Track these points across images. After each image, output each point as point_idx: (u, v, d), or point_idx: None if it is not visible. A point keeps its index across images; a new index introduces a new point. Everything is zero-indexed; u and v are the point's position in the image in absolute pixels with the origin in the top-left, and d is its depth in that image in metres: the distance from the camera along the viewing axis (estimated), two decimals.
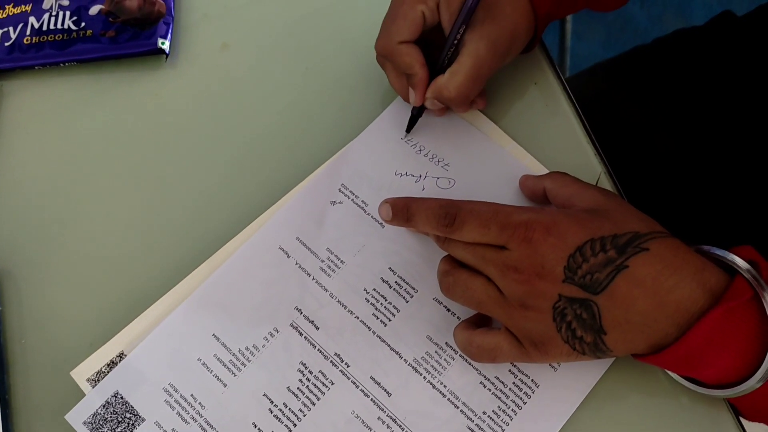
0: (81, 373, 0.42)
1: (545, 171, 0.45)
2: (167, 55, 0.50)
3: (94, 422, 0.41)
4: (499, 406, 0.40)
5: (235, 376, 0.42)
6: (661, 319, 0.35)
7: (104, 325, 0.43)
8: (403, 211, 0.40)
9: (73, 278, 0.45)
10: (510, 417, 0.40)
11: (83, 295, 0.45)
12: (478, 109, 0.46)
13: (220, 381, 0.41)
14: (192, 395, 0.41)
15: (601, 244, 0.35)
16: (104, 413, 0.41)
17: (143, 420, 0.41)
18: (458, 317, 0.42)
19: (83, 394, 0.41)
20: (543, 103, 0.48)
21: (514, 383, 0.41)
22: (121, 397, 0.41)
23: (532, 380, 0.41)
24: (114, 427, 0.41)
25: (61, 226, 0.47)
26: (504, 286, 0.37)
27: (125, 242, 0.46)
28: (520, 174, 0.45)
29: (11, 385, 0.43)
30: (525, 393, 0.40)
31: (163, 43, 0.50)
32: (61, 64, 0.50)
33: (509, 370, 0.41)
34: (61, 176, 0.48)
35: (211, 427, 0.41)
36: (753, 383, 0.35)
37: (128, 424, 0.41)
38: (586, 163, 0.46)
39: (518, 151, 0.46)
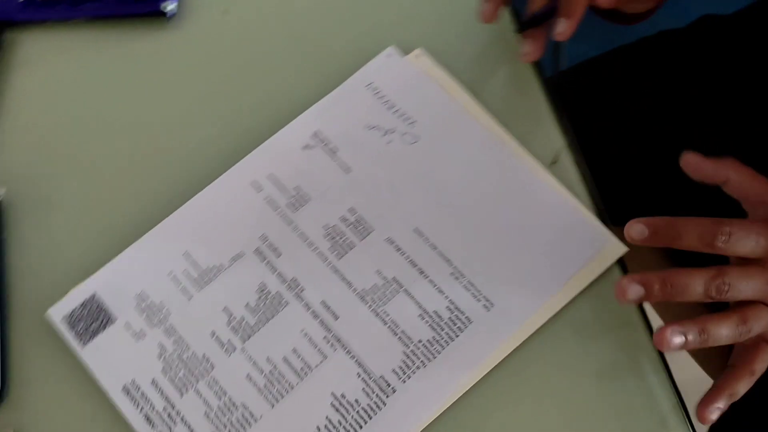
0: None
1: (513, 142, 0.49)
2: (170, 17, 0.55)
3: (72, 319, 0.46)
4: (434, 337, 0.44)
5: (200, 290, 0.46)
6: None
7: (98, 255, 0.48)
8: (668, 229, 0.40)
9: (73, 213, 0.50)
10: (442, 347, 0.44)
11: (81, 228, 0.49)
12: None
13: (187, 293, 0.46)
14: (160, 302, 0.46)
15: None
16: (81, 312, 0.46)
17: (115, 320, 0.45)
18: (407, 256, 0.46)
19: None
20: (514, 80, 0.52)
21: (450, 318, 0.45)
22: (98, 299, 0.46)
23: (466, 317, 0.45)
24: (88, 324, 0.45)
25: (65, 164, 0.51)
26: None
27: (121, 184, 0.51)
28: (484, 142, 0.49)
29: (11, 306, 0.47)
30: (458, 327, 0.44)
31: (165, 6, 0.55)
32: (72, 20, 0.55)
33: (447, 307, 0.45)
34: (67, 124, 0.53)
35: (175, 331, 0.45)
36: None
37: (101, 322, 0.45)
38: (549, 136, 0.49)
39: (488, 122, 0.49)
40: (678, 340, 0.39)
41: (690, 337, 0.39)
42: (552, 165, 0.49)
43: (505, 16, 0.53)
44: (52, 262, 0.48)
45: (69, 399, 0.44)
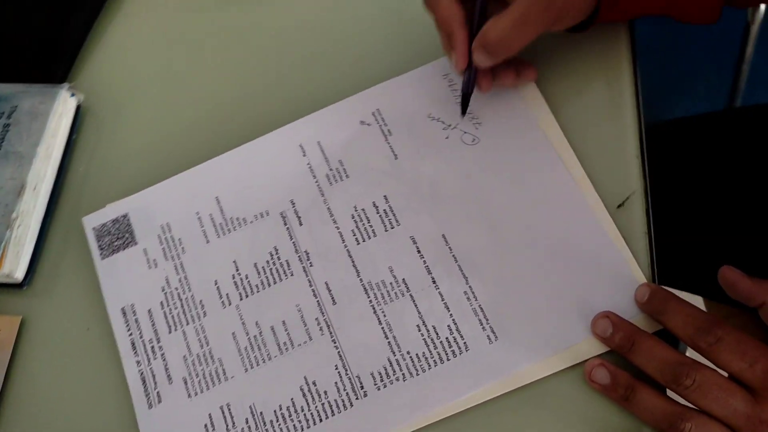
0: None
1: (581, 171, 0.43)
2: None
3: (101, 231, 0.48)
4: (424, 353, 0.41)
5: (218, 237, 0.46)
6: None
7: (147, 177, 0.49)
8: (660, 303, 0.38)
9: (137, 131, 0.52)
10: (430, 366, 0.41)
11: (140, 148, 0.51)
12: (528, 80, 0.46)
13: (206, 236, 0.46)
14: (179, 239, 0.46)
15: None
16: (111, 227, 0.47)
17: (136, 243, 0.47)
18: (425, 261, 0.43)
19: None
20: (607, 105, 0.46)
21: (447, 338, 0.41)
22: (128, 220, 0.48)
23: (465, 343, 0.41)
24: (113, 240, 0.47)
25: (142, 87, 0.54)
26: None
27: (186, 116, 0.52)
28: (549, 163, 0.44)
29: (60, 204, 0.50)
30: (453, 351, 0.41)
31: None
32: None
33: (448, 325, 0.41)
34: (163, 43, 0.55)
35: (183, 270, 0.46)
36: None
37: (124, 241, 0.47)
38: (625, 175, 0.44)
39: (561, 143, 0.45)
40: (602, 378, 0.38)
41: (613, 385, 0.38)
42: (618, 209, 0.43)
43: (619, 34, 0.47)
44: (107, 172, 0.51)
45: (76, 304, 0.47)
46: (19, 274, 0.47)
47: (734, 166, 0.60)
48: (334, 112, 0.48)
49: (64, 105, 0.51)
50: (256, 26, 0.54)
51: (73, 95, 0.52)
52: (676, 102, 1.18)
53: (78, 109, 0.53)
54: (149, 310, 0.45)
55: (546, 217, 0.43)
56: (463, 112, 0.46)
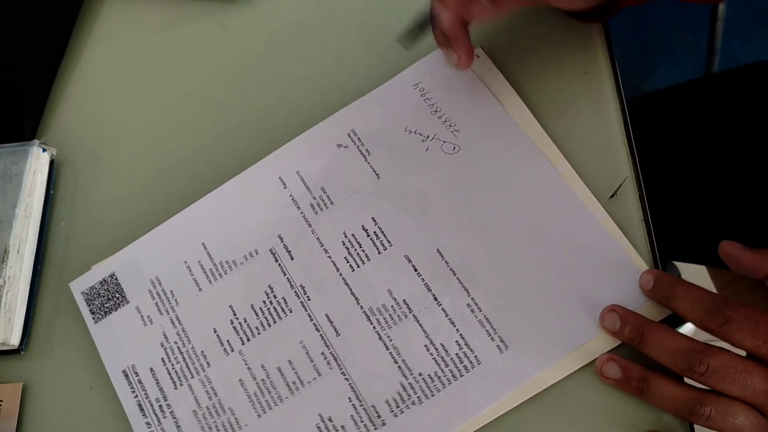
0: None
1: (567, 166, 0.43)
2: None
3: (90, 294, 0.46)
4: (435, 372, 0.40)
5: (210, 283, 0.45)
6: None
7: (130, 230, 0.48)
8: (665, 289, 0.38)
9: (122, 179, 0.51)
10: (444, 385, 0.40)
11: (126, 195, 0.50)
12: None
13: (197, 285, 0.45)
14: (171, 291, 0.45)
15: None
16: (99, 289, 0.46)
17: (128, 302, 0.46)
18: (423, 278, 0.42)
19: None
20: (586, 94, 0.45)
21: (457, 354, 0.40)
22: (116, 279, 0.46)
23: (475, 356, 0.40)
24: (104, 302, 0.46)
25: (121, 129, 0.52)
26: None
27: (169, 155, 0.50)
28: (533, 162, 0.43)
29: (47, 264, 0.49)
30: (465, 366, 0.40)
31: None
32: None
33: (456, 341, 0.41)
34: (131, 86, 0.53)
35: (180, 322, 0.45)
36: None
37: (115, 302, 0.46)
38: (614, 164, 0.43)
39: (542, 139, 0.44)
40: (613, 373, 0.38)
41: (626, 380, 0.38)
42: (611, 198, 0.42)
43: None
44: (89, 223, 0.49)
45: (76, 368, 0.45)
46: (15, 341, 0.46)
47: (721, 134, 0.59)
48: (309, 138, 0.47)
49: (37, 162, 0.50)
50: (223, 59, 0.53)
51: (44, 150, 0.51)
52: (655, 66, 1.17)
53: (52, 163, 0.51)
54: (151, 369, 0.44)
55: (538, 217, 0.42)
56: (415, 36, 0.43)
